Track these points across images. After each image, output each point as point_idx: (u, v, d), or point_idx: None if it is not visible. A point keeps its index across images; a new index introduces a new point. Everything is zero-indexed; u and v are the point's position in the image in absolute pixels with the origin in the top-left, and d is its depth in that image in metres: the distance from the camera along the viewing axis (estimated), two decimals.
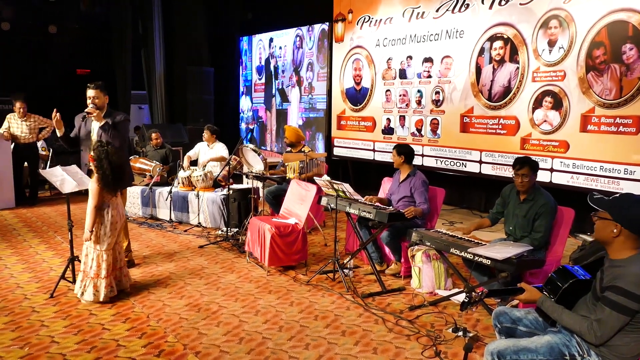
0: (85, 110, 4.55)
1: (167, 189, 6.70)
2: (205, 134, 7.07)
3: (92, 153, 3.93)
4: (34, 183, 8.02)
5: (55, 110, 4.53)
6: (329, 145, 8.82)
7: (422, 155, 7.38)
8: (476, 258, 3.52)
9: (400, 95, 7.65)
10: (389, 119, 7.85)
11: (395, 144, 5.03)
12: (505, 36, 6.33)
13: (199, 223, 6.54)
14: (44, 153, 8.78)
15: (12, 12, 9.68)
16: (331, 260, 4.67)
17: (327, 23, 8.66)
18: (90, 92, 4.60)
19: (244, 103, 11.19)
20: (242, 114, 11.25)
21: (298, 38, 9.54)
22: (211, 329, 3.60)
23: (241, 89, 11.28)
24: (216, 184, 6.77)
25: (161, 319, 3.75)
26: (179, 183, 6.84)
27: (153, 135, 7.41)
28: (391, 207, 4.71)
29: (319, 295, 4.27)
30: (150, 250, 5.54)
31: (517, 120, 6.28)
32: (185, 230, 6.36)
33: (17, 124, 7.63)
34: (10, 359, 3.17)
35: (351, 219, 4.85)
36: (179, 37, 10.77)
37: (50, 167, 7.43)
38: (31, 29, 9.90)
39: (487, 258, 3.45)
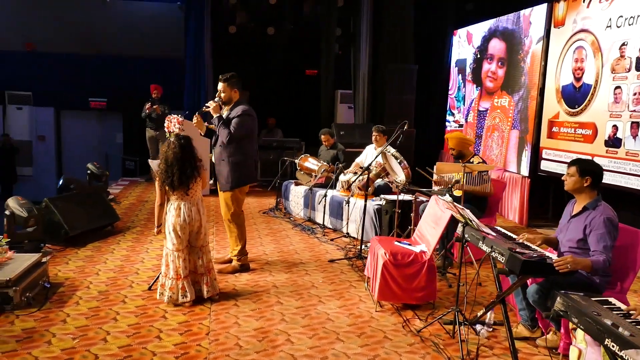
0: (205, 104, 4.45)
1: (324, 191, 6.24)
2: (374, 136, 6.38)
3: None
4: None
5: (197, 113, 4.47)
6: (535, 157, 7.04)
7: None
8: None
9: (634, 94, 5.51)
10: (615, 127, 5.75)
11: (573, 159, 3.41)
12: None
13: (347, 233, 5.90)
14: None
15: (242, 17, 10.62)
16: (452, 309, 3.48)
17: (546, 4, 6.89)
18: (219, 85, 4.49)
19: (451, 102, 10.00)
20: (448, 114, 10.08)
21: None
22: None
23: (450, 86, 10.11)
24: (377, 192, 6.02)
25: (217, 340, 3.27)
26: (340, 187, 6.33)
27: (322, 137, 7.07)
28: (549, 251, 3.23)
29: (419, 354, 3.18)
30: (279, 256, 5.15)
31: None
32: (332, 239, 5.80)
33: None
34: (55, 347, 3.13)
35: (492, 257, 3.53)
36: (386, 34, 10.20)
37: None
38: (253, 31, 10.70)
39: None
